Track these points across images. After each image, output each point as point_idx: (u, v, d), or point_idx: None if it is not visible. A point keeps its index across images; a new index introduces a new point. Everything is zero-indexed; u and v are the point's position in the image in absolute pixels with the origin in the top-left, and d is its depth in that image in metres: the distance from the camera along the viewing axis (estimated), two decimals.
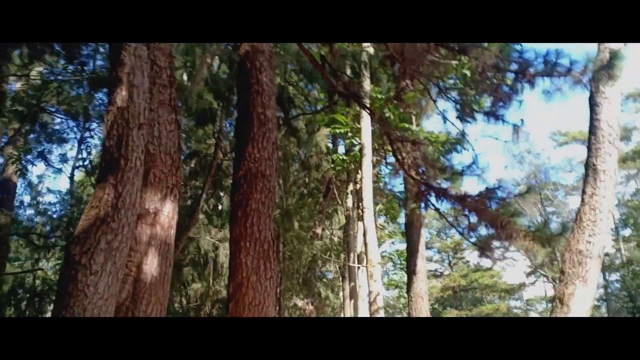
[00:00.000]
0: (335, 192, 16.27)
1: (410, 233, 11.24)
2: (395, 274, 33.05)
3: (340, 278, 19.80)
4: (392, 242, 28.38)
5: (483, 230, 6.06)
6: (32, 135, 13.12)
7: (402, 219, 23.27)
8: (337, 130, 10.72)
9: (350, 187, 14.29)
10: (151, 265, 4.21)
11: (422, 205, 6.43)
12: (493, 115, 6.32)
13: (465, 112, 7.12)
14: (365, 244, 8.17)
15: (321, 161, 21.63)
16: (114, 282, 3.53)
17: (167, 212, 4.41)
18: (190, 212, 9.79)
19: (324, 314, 19.84)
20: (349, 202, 14.01)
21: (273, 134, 4.76)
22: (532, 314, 52.53)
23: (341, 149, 18.53)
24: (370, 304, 7.68)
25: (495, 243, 6.00)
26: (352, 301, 13.54)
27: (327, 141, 12.56)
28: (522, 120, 6.99)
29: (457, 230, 6.21)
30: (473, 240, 6.10)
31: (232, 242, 4.59)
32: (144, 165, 3.93)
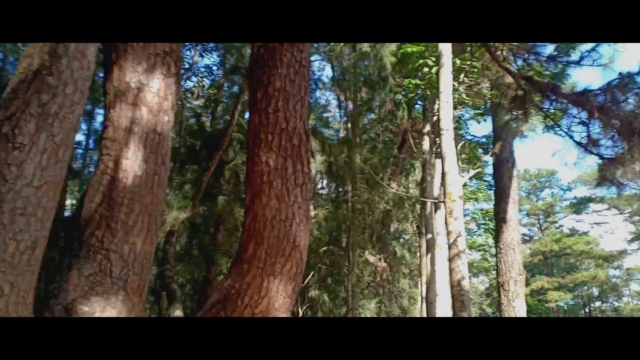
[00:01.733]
0: (412, 143, 14.59)
1: (500, 174, 9.39)
2: (480, 235, 30.58)
3: (417, 235, 18.27)
4: (476, 200, 26.11)
5: (609, 144, 4.23)
6: None
7: (488, 169, 21.11)
8: (409, 50, 8.97)
9: (427, 127, 12.52)
10: (133, 160, 3.02)
11: (521, 113, 4.70)
12: None
13: None
14: (443, 174, 6.52)
15: (397, 108, 19.86)
16: (51, 164, 2.36)
17: (157, 90, 3.17)
18: (223, 129, 8.52)
19: (398, 272, 18.47)
20: (426, 144, 12.29)
21: None
22: (634, 285, 47.78)
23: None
24: (450, 246, 6.13)
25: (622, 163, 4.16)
26: (429, 255, 12.02)
27: (393, 59, 10.78)
28: None
29: (573, 142, 4.42)
30: (594, 157, 4.28)
31: (249, 134, 3.29)
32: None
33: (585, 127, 4.18)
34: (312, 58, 20.04)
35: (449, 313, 8.30)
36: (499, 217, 9.30)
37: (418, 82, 9.28)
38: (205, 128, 11.58)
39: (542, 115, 4.59)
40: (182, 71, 15.08)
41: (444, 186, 6.52)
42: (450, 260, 6.14)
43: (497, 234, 9.38)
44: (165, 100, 3.22)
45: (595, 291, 47.07)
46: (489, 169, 23.15)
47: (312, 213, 12.49)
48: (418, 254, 17.87)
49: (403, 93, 9.80)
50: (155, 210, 3.11)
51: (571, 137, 4.28)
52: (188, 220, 8.76)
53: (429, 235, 11.86)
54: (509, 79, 4.78)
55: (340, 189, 16.61)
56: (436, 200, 9.53)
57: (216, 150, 8.99)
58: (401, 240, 21.46)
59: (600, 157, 4.22)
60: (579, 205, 44.53)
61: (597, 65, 4.06)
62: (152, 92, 3.15)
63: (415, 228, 19.35)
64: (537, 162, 79.91)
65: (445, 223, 6.48)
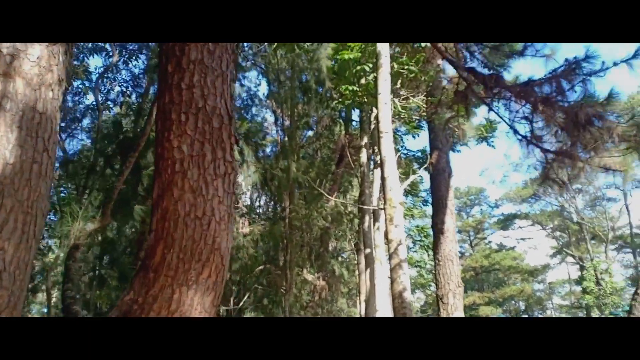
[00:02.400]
0: (350, 159, 14.37)
1: (437, 184, 9.28)
2: (415, 251, 30.86)
3: (356, 252, 18.02)
4: (412, 217, 26.35)
5: (552, 140, 4.05)
6: None
7: (424, 184, 21.37)
8: (346, 56, 8.70)
9: (365, 139, 12.33)
10: (3, 145, 2.37)
11: (464, 108, 4.46)
12: None
13: None
14: (383, 179, 6.18)
15: (333, 124, 19.67)
16: None
17: (37, 58, 2.55)
18: (140, 130, 7.71)
19: (337, 291, 18.06)
20: (363, 156, 12.08)
21: None
22: (556, 298, 50.42)
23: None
24: (391, 256, 5.75)
25: (570, 157, 3.99)
26: (368, 271, 11.70)
27: (329, 63, 10.52)
28: None
29: (517, 137, 4.19)
30: (537, 154, 4.08)
31: (158, 116, 2.72)
32: None
33: (529, 123, 3.99)
34: (248, 74, 19.63)
35: None
36: (437, 228, 9.13)
37: (355, 88, 9.03)
38: (121, 132, 10.64)
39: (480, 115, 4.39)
40: (105, 80, 14.11)
41: (384, 192, 6.18)
42: (391, 270, 5.76)
43: (435, 245, 9.20)
44: (49, 72, 2.59)
45: (522, 305, 49.08)
46: (424, 185, 23.50)
47: (247, 230, 11.84)
48: (357, 272, 17.58)
49: (340, 101, 9.49)
50: (34, 207, 2.45)
51: (515, 132, 4.07)
52: (99, 233, 7.80)
53: (368, 250, 11.56)
54: (450, 73, 4.59)
55: (277, 205, 16.06)
56: (376, 207, 9.22)
57: (131, 152, 8.06)
58: (339, 258, 21.16)
59: (548, 151, 4.02)
60: (506, 222, 46.61)
61: (540, 56, 3.91)
62: (30, 61, 2.52)
63: (353, 246, 19.11)
64: (468, 177, 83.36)
65: (386, 231, 6.13)
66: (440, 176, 9.34)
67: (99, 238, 8.32)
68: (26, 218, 2.40)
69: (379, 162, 11.88)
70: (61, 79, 2.75)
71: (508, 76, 3.95)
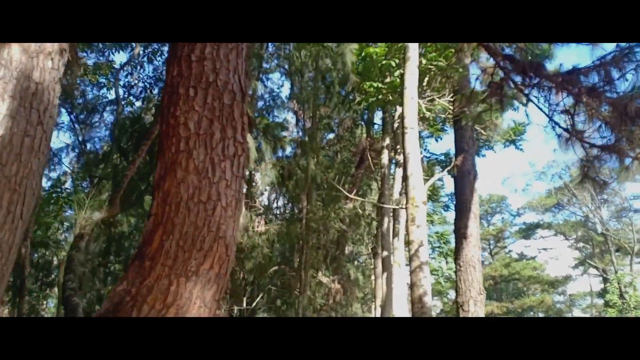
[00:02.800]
0: (371, 162, 14.05)
1: (462, 186, 8.90)
2: (434, 258, 30.29)
3: (373, 257, 17.67)
4: (431, 223, 25.86)
5: (594, 135, 3.70)
6: None
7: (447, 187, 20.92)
8: (371, 50, 8.41)
9: (387, 140, 12.00)
10: None
11: (497, 100, 4.11)
12: None
13: None
14: (406, 177, 5.84)
15: (355, 126, 19.42)
16: None
17: None
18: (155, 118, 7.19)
19: (352, 294, 17.70)
20: (385, 158, 11.75)
21: None
22: (576, 311, 49.12)
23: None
24: (411, 257, 5.42)
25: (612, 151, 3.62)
26: (385, 275, 11.35)
27: (353, 58, 10.23)
28: None
29: (556, 131, 3.85)
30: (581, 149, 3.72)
31: (165, 90, 2.49)
32: None
33: (569, 116, 3.65)
34: (272, 75, 19.44)
35: None
36: (459, 232, 8.76)
37: (380, 85, 8.72)
38: (139, 124, 10.49)
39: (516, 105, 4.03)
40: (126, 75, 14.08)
41: (406, 191, 5.86)
42: (411, 273, 5.42)
43: (456, 251, 8.82)
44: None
45: (542, 316, 47.95)
46: (446, 190, 23.03)
47: (262, 228, 11.62)
48: (372, 277, 17.22)
49: (364, 98, 9.18)
50: (23, 185, 2.23)
51: (556, 124, 3.72)
52: (106, 223, 7.59)
53: (385, 253, 11.22)
54: (486, 64, 4.27)
55: (294, 206, 15.82)
56: (397, 207, 8.89)
57: (144, 141, 7.81)
58: (355, 262, 20.82)
59: (593, 145, 3.66)
60: (528, 231, 45.62)
61: (585, 44, 3.53)
62: None
63: (370, 250, 18.78)
64: (490, 185, 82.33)
65: (406, 232, 5.81)
66: (465, 179, 8.97)
67: (111, 229, 8.12)
68: (13, 196, 2.18)
69: (401, 162, 11.55)
70: (63, 49, 2.54)
71: (549, 66, 3.63)
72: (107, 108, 12.86)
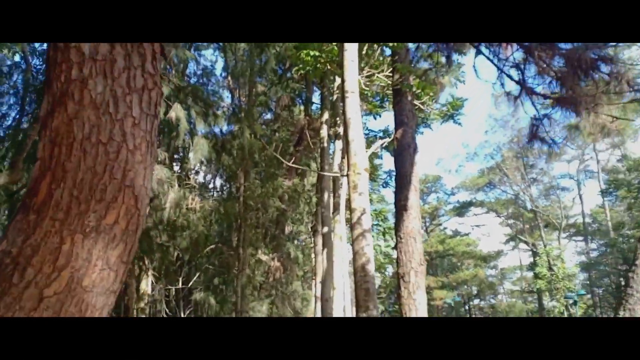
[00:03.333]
0: (309, 141, 13.75)
1: (402, 159, 8.82)
2: (373, 236, 30.74)
3: (313, 235, 17.55)
4: (370, 201, 26.15)
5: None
6: None
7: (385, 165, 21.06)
8: None
9: (326, 115, 11.74)
10: None
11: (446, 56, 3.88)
12: None
13: None
14: (347, 143, 5.60)
15: (293, 104, 19.01)
16: None
17: None
18: None
19: (292, 273, 17.54)
20: (324, 131, 11.50)
21: None
22: (507, 284, 52.09)
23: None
24: (353, 225, 5.21)
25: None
26: (325, 251, 11.21)
27: None
28: None
29: (505, 85, 3.69)
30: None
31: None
32: None
33: (519, 72, 3.50)
34: (205, 52, 18.53)
35: (347, 308, 7.55)
36: (399, 205, 8.70)
37: (317, 53, 8.38)
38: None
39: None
40: None
41: (347, 158, 5.62)
42: (353, 241, 5.24)
43: (397, 223, 8.77)
44: None
45: (475, 289, 50.42)
46: (384, 167, 23.26)
47: (197, 205, 11.07)
48: (313, 255, 17.14)
49: (301, 67, 8.81)
50: None
51: (509, 77, 3.57)
52: (3, 189, 6.73)
53: (325, 229, 11.05)
54: None
55: (230, 183, 15.29)
56: (338, 174, 8.67)
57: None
58: (295, 242, 20.66)
59: (546, 96, 3.54)
60: (461, 209, 47.54)
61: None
62: None
63: (309, 229, 18.68)
64: (425, 167, 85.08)
65: (348, 200, 5.59)
66: (405, 152, 8.88)
67: (14, 196, 7.26)
68: None
69: (341, 133, 11.36)
70: None
71: None
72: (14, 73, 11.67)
